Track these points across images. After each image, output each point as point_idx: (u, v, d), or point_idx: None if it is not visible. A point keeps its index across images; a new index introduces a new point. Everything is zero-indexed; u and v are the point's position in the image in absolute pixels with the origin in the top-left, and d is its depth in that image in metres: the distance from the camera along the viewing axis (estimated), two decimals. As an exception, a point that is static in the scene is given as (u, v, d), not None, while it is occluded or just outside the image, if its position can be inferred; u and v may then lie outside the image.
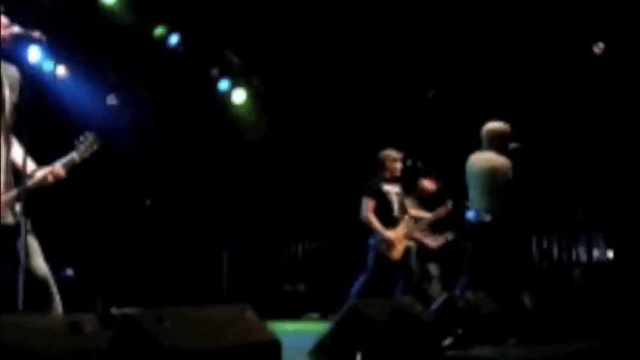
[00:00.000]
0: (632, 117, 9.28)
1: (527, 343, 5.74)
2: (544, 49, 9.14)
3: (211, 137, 11.01)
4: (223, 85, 10.40)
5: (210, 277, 10.93)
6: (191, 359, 3.00)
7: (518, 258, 6.27)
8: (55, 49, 8.38)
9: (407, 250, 7.03)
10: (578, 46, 9.14)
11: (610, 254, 9.46)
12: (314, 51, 9.71)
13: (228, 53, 10.11)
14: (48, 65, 8.91)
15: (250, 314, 3.54)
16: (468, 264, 6.28)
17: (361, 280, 6.95)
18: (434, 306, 5.18)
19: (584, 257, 9.53)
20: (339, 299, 7.12)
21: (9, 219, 3.33)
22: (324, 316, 9.33)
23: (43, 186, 3.53)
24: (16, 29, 3.39)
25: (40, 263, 3.42)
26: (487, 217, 6.03)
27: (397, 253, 6.94)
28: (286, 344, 3.62)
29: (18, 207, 3.33)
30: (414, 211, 7.42)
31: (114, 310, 7.70)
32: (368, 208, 7.00)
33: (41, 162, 3.65)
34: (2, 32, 3.37)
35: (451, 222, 7.65)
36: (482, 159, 6.17)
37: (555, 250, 9.75)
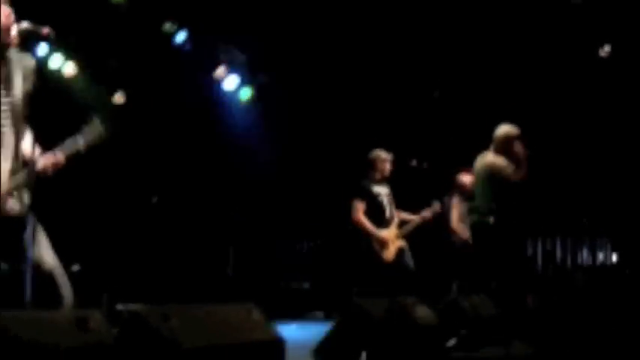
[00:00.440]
0: (637, 121, 9.27)
1: (531, 345, 5.74)
2: (550, 52, 9.13)
3: (217, 134, 11.03)
4: (230, 81, 10.38)
5: (216, 274, 10.94)
6: (196, 356, 3.02)
7: (521, 260, 6.28)
8: (64, 45, 8.42)
9: (400, 250, 7.03)
10: (584, 49, 9.13)
11: (614, 258, 9.45)
12: (320, 50, 9.70)
13: (236, 50, 10.11)
14: (56, 61, 8.94)
15: (255, 313, 3.55)
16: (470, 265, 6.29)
17: (361, 281, 6.96)
18: (439, 306, 5.19)
19: (588, 261, 9.52)
20: (343, 298, 7.15)
21: (16, 208, 3.32)
22: (328, 315, 9.34)
23: (45, 174, 3.47)
24: (25, 25, 3.39)
25: (46, 256, 3.39)
26: (490, 219, 6.04)
27: (390, 253, 6.95)
28: (290, 343, 3.63)
29: (26, 197, 3.31)
30: (402, 215, 7.33)
31: (119, 307, 7.72)
32: (358, 210, 7.01)
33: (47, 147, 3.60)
34: (5, 21, 3.36)
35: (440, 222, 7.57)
36: (484, 160, 6.20)
37: (559, 254, 9.73)
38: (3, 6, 3.39)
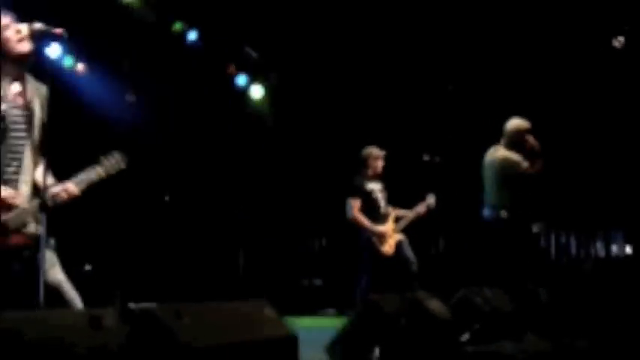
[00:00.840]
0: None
1: (545, 339, 5.72)
2: (564, 43, 9.09)
3: (229, 133, 11.04)
4: (241, 80, 10.40)
5: (227, 272, 10.97)
6: (209, 354, 3.03)
7: (535, 253, 6.26)
8: (76, 45, 8.46)
9: (399, 244, 7.04)
10: (598, 40, 9.08)
11: (628, 250, 9.40)
12: (332, 45, 9.70)
13: (247, 49, 10.12)
14: (68, 61, 8.99)
15: (268, 309, 3.56)
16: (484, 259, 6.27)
17: (364, 279, 6.96)
18: (452, 301, 5.18)
19: (602, 253, 9.47)
20: (355, 294, 7.15)
21: (31, 228, 3.39)
22: (340, 312, 9.34)
23: (56, 203, 3.54)
24: (37, 26, 3.42)
25: (53, 274, 3.44)
26: (503, 214, 6.02)
27: (389, 247, 7.00)
28: (303, 339, 3.64)
29: (41, 219, 3.36)
30: (396, 210, 7.32)
31: (132, 305, 7.75)
32: (354, 207, 7.04)
33: (63, 167, 3.67)
34: (15, 37, 3.41)
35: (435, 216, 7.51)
36: (494, 155, 6.17)
37: (573, 246, 9.69)
38: (12, 24, 3.43)
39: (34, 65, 3.55)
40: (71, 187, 3.55)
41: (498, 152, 6.17)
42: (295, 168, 11.27)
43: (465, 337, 5.04)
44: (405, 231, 7.27)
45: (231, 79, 10.34)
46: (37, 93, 3.50)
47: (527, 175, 6.09)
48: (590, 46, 9.24)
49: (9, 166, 3.37)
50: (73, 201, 3.59)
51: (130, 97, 10.03)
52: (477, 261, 7.50)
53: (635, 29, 8.87)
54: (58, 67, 8.66)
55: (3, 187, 3.33)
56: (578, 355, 4.99)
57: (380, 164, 7.22)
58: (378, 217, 7.05)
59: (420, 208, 7.26)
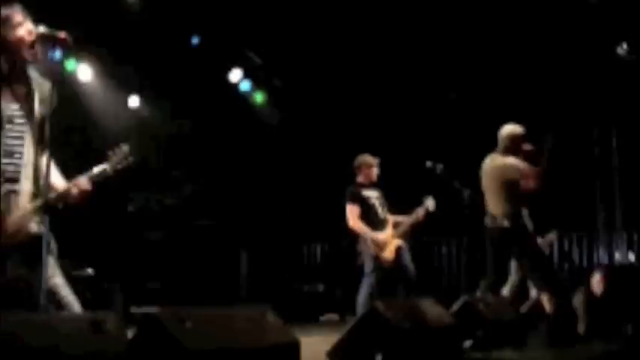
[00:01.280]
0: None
1: (548, 346, 5.72)
2: (567, 51, 9.09)
3: (230, 138, 11.05)
4: (244, 85, 10.40)
5: (229, 278, 10.95)
6: (211, 359, 3.02)
7: (543, 259, 6.22)
8: (80, 49, 8.46)
9: (399, 250, 6.98)
10: (601, 47, 9.08)
11: (631, 257, 9.38)
12: (334, 53, 9.70)
13: (249, 53, 10.13)
14: (71, 65, 9.00)
15: (270, 316, 3.55)
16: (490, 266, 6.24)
17: (364, 285, 6.93)
18: (454, 308, 5.16)
19: (605, 260, 9.46)
20: (357, 301, 7.13)
21: (33, 228, 3.36)
22: (342, 318, 9.32)
23: (67, 200, 3.51)
24: (41, 29, 3.42)
25: (51, 278, 3.40)
26: (505, 223, 5.98)
27: (389, 253, 6.92)
28: (305, 345, 3.63)
29: (44, 219, 3.33)
30: (394, 217, 7.26)
31: (133, 309, 7.74)
32: (353, 214, 7.00)
33: (70, 168, 3.64)
34: (28, 37, 3.41)
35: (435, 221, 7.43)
36: (493, 162, 6.12)
37: (576, 253, 9.68)
38: (26, 22, 3.43)
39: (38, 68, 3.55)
40: (82, 181, 3.50)
41: (497, 160, 6.12)
42: (296, 173, 11.28)
43: (468, 343, 5.03)
44: (403, 237, 7.21)
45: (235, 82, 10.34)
46: (38, 88, 3.49)
47: (529, 183, 6.04)
48: (593, 54, 9.24)
49: (9, 162, 3.35)
50: (85, 197, 3.53)
51: (133, 103, 10.08)
52: (479, 268, 7.48)
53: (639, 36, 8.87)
54: (61, 71, 8.66)
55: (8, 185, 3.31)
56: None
57: (374, 172, 7.17)
58: (376, 223, 6.99)
59: (419, 213, 7.18)
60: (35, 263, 3.20)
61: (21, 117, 3.41)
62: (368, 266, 6.95)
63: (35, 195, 3.38)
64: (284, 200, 11.24)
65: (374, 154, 7.41)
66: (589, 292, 6.69)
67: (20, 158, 3.38)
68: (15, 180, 3.36)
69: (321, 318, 9.75)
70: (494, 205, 6.07)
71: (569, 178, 9.24)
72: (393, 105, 10.62)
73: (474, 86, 10.19)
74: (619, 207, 9.65)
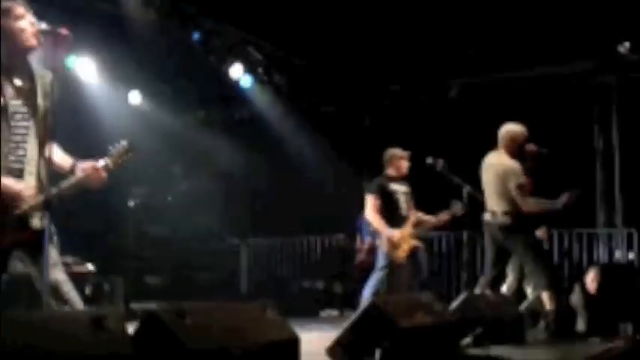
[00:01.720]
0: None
1: (548, 343, 5.73)
2: (569, 48, 9.09)
3: (232, 134, 11.06)
4: (245, 81, 10.39)
5: (229, 274, 10.98)
6: (211, 355, 3.03)
7: (543, 258, 6.22)
8: (80, 45, 8.46)
9: (414, 249, 6.93)
10: (603, 45, 9.06)
11: (631, 256, 9.38)
12: (336, 46, 9.69)
13: (251, 50, 10.12)
14: (72, 62, 9.00)
15: (270, 312, 3.56)
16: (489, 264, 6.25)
17: (373, 280, 6.89)
18: (454, 304, 5.17)
19: (605, 258, 9.46)
20: (357, 297, 7.13)
21: (36, 223, 3.36)
22: (342, 314, 9.34)
23: (83, 186, 3.51)
24: (43, 26, 3.42)
25: (54, 273, 3.39)
26: (506, 220, 5.99)
27: (402, 252, 6.83)
28: (304, 341, 3.64)
29: (45, 214, 3.33)
30: (419, 214, 7.20)
31: (134, 305, 7.76)
32: (372, 206, 6.94)
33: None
34: (30, 29, 3.41)
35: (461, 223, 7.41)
36: (493, 161, 6.13)
37: (576, 251, 9.68)
38: (27, 14, 3.43)
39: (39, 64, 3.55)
40: (100, 167, 3.51)
41: (499, 159, 6.12)
42: (297, 170, 11.28)
43: (467, 340, 5.03)
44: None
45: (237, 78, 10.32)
46: (40, 82, 3.49)
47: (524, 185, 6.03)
48: (594, 51, 9.23)
49: (13, 158, 3.36)
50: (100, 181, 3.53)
51: (135, 99, 10.08)
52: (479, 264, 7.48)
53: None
54: (63, 65, 8.66)
55: (12, 181, 3.32)
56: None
57: (404, 164, 7.09)
58: (397, 219, 6.91)
59: (443, 216, 7.09)
60: (39, 259, 3.21)
61: (24, 112, 3.41)
62: (380, 261, 6.92)
63: (39, 190, 3.38)
64: (284, 196, 11.25)
65: (376, 149, 7.40)
66: (584, 290, 6.70)
67: (24, 155, 3.38)
68: (19, 176, 3.37)
69: (321, 314, 9.76)
70: (493, 201, 6.09)
71: (569, 175, 9.24)
72: (394, 102, 10.63)
73: (474, 83, 10.18)
74: (619, 204, 9.65)
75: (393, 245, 6.80)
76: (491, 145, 6.30)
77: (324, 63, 10.11)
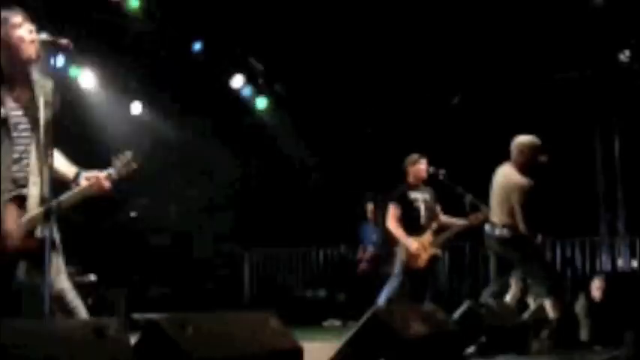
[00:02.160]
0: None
1: (551, 352, 5.71)
2: (570, 56, 9.10)
3: (233, 144, 11.06)
4: (246, 91, 10.41)
5: (232, 283, 10.96)
6: (214, 365, 3.02)
7: (546, 268, 6.20)
8: (82, 56, 8.48)
9: (433, 259, 6.85)
10: (604, 54, 9.08)
11: (634, 264, 9.37)
12: (338, 57, 9.71)
13: (252, 60, 10.14)
14: (74, 72, 9.02)
15: (273, 321, 3.55)
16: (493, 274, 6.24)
17: (389, 288, 6.84)
18: (456, 314, 5.15)
19: (607, 266, 9.44)
20: (360, 306, 7.10)
21: (39, 232, 3.36)
22: (345, 323, 9.32)
23: (87, 195, 3.51)
24: (44, 36, 3.42)
25: (58, 282, 3.39)
26: (506, 233, 5.97)
27: (422, 261, 6.76)
28: (307, 351, 3.63)
29: (49, 224, 3.32)
30: (442, 220, 7.10)
31: (136, 316, 7.74)
32: (392, 215, 6.89)
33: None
34: (28, 37, 3.41)
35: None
36: (501, 173, 6.11)
37: (579, 259, 9.66)
38: (26, 23, 3.44)
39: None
40: (103, 177, 3.52)
41: (507, 172, 6.08)
42: (301, 180, 11.28)
43: (471, 349, 5.02)
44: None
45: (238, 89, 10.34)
46: (42, 91, 3.48)
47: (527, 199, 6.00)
48: (595, 60, 9.24)
49: (16, 168, 3.35)
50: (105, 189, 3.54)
51: (136, 109, 10.10)
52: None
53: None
54: (64, 77, 8.68)
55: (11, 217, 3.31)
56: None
57: (422, 169, 6.96)
58: (415, 228, 6.83)
59: (467, 221, 6.86)
60: (43, 268, 3.20)
61: (26, 123, 3.41)
62: (397, 269, 6.87)
63: (43, 200, 3.38)
64: (288, 205, 11.24)
65: (378, 158, 7.37)
66: (589, 298, 6.68)
67: (27, 165, 3.38)
68: (23, 186, 3.37)
69: (324, 323, 9.74)
70: (495, 213, 6.07)
71: (571, 184, 9.23)
72: (396, 110, 10.63)
73: (476, 92, 10.19)
74: (622, 212, 9.65)
75: (411, 255, 6.76)
76: (493, 152, 6.29)
77: (324, 72, 10.12)
